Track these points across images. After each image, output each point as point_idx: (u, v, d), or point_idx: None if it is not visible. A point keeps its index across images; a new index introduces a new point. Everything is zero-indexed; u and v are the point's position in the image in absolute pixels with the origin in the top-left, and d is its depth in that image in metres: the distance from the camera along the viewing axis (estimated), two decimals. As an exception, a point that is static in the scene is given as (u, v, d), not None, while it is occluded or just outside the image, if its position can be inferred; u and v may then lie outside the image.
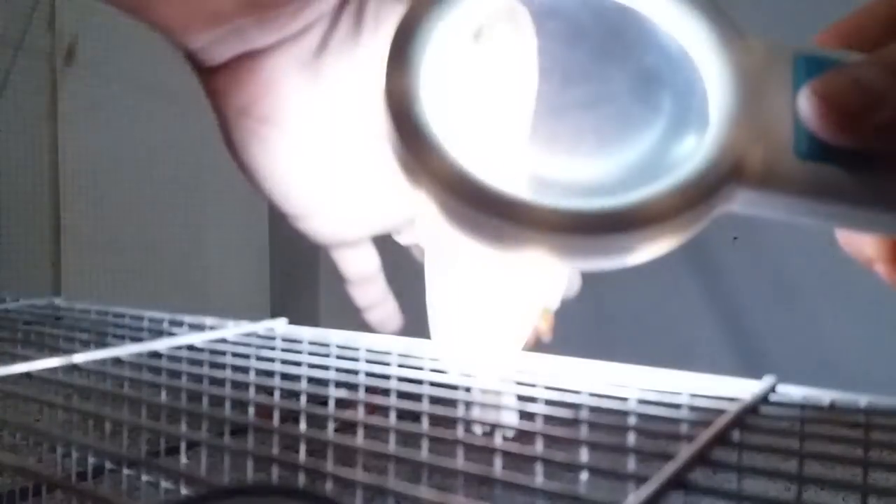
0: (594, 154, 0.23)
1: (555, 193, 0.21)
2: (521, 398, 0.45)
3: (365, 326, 0.51)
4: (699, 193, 0.21)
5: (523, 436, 0.40)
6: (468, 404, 0.46)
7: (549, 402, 0.43)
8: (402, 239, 0.48)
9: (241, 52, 0.36)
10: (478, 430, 0.44)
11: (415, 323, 0.51)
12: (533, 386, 0.47)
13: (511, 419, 0.43)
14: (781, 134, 0.22)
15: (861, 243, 0.26)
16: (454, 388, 0.47)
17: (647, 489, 0.31)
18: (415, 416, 0.44)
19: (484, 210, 0.20)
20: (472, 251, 0.35)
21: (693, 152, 0.22)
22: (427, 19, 0.22)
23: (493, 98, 0.25)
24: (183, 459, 0.49)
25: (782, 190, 0.22)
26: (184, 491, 0.52)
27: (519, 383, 0.48)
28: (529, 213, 0.20)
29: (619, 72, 0.24)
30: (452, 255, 0.48)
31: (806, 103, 0.22)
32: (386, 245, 0.48)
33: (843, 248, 0.27)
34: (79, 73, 2.16)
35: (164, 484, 0.56)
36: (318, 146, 0.38)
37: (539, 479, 0.35)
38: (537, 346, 0.53)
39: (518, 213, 0.20)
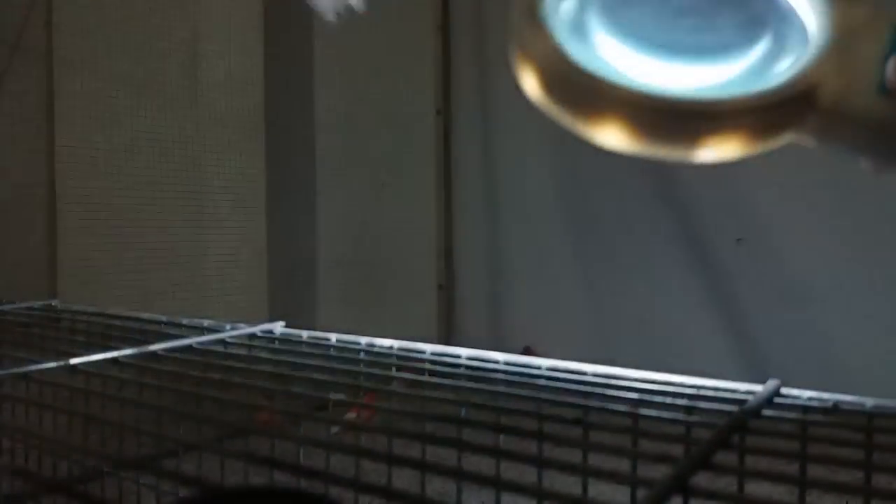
0: (689, 66, 0.28)
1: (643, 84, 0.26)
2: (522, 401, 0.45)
3: (365, 328, 0.50)
4: (767, 100, 0.25)
5: (525, 438, 0.39)
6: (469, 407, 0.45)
7: (551, 405, 0.43)
8: None
9: None
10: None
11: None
12: (535, 388, 0.46)
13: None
14: (865, 75, 0.25)
15: None
16: (455, 389, 0.47)
17: (649, 493, 0.31)
18: (416, 417, 0.44)
19: (574, 81, 0.26)
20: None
21: (776, 78, 0.26)
22: None
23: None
24: (182, 462, 0.49)
25: (858, 118, 0.25)
26: (183, 494, 0.51)
27: (520, 386, 0.48)
28: (609, 88, 0.26)
29: (729, 12, 0.29)
30: None
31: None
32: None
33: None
34: (76, 72, 2.16)
35: (163, 487, 0.56)
36: None
37: (541, 481, 0.34)
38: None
39: (600, 86, 0.26)
